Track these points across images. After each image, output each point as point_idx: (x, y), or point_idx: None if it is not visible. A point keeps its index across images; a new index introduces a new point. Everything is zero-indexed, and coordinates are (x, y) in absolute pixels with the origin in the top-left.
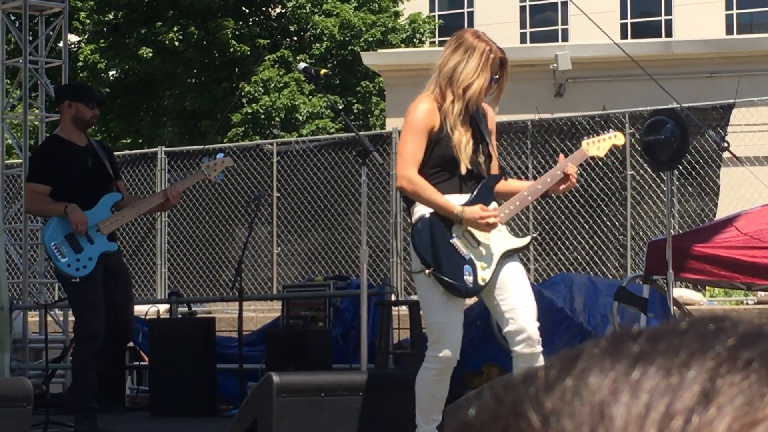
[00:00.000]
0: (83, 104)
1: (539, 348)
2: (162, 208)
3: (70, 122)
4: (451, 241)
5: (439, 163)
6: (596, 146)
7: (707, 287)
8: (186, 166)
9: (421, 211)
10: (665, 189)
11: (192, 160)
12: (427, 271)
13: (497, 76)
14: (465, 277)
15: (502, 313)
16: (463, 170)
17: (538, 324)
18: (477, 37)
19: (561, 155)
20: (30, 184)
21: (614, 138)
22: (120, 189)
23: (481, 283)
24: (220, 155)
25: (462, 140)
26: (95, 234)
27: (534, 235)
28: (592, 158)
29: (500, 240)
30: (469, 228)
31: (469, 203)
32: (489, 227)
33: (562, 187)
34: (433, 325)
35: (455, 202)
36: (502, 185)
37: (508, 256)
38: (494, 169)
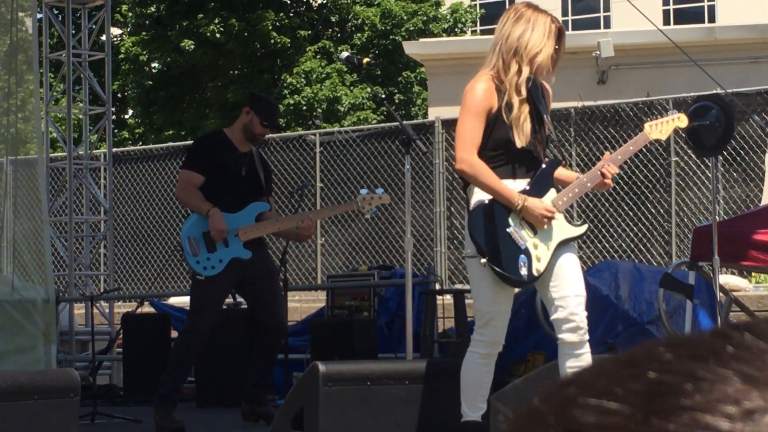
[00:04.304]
0: (258, 119)
1: (586, 336)
2: (297, 238)
3: (240, 126)
4: (507, 230)
5: (497, 145)
6: (658, 129)
7: (753, 273)
8: None
9: (479, 195)
10: (710, 175)
11: None
12: (482, 261)
13: (556, 47)
14: (520, 268)
15: (552, 300)
16: (519, 146)
17: (586, 313)
18: (535, 9)
19: (607, 153)
20: (184, 171)
21: (677, 120)
22: (269, 203)
23: (535, 274)
24: (379, 191)
25: (520, 116)
26: (233, 238)
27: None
28: (657, 141)
29: (557, 229)
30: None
31: (529, 191)
32: (546, 223)
33: (598, 183)
34: (481, 311)
35: (511, 187)
36: (557, 173)
37: (564, 244)
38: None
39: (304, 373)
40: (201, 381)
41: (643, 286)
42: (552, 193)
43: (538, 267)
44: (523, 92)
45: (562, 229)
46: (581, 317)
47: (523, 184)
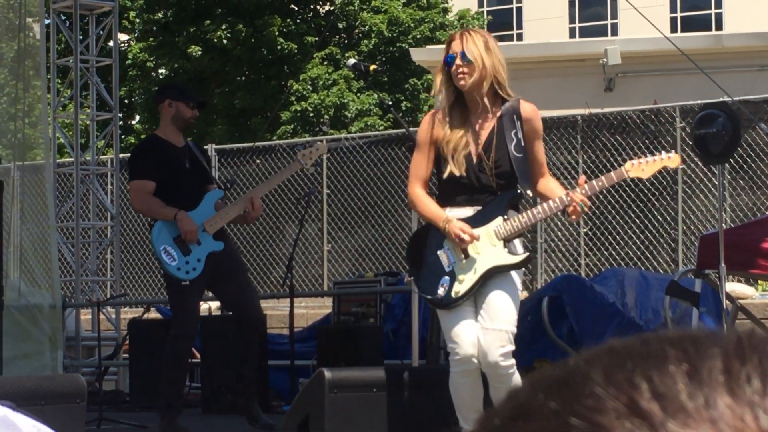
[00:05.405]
0: (183, 103)
1: (503, 371)
2: (244, 220)
3: (169, 122)
4: (438, 252)
5: (440, 177)
6: (641, 168)
7: (760, 281)
8: (236, 164)
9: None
10: (717, 183)
11: (242, 158)
12: (407, 279)
13: (462, 51)
14: (438, 289)
15: (478, 331)
16: (447, 173)
17: (506, 349)
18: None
19: (582, 177)
20: (134, 182)
21: (666, 160)
22: (221, 189)
23: (453, 296)
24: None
25: (450, 143)
26: (201, 234)
27: (526, 255)
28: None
29: (488, 255)
30: None
31: (469, 219)
32: (462, 244)
33: (570, 210)
34: (445, 330)
35: (460, 215)
36: (542, 186)
37: (498, 272)
38: (539, 173)
39: (309, 379)
40: (206, 387)
41: (650, 294)
42: (498, 221)
43: (458, 289)
44: (449, 114)
45: (494, 255)
46: (494, 355)
47: (469, 211)
